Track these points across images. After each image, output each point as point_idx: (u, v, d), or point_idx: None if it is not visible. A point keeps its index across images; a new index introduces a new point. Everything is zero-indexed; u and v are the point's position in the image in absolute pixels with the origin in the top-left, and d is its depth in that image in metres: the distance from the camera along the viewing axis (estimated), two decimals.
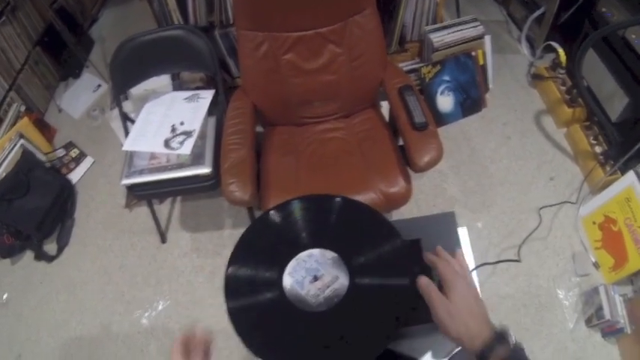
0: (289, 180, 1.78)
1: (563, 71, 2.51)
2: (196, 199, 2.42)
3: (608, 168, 2.14)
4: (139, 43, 2.00)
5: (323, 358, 0.81)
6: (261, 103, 1.91)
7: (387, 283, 0.86)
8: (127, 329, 2.06)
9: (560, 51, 2.40)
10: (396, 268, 0.87)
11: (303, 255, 0.88)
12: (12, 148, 2.36)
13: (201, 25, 2.29)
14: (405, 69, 2.33)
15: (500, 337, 0.72)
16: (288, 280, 0.85)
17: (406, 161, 1.71)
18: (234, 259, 0.90)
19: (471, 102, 2.42)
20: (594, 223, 2.07)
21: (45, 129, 2.74)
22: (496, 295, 1.99)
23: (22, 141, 2.43)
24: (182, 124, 2.02)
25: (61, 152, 2.64)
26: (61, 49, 3.05)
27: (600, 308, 1.81)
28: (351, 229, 0.94)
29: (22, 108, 2.65)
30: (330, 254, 0.88)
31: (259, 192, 1.72)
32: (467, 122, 2.51)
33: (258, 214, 2.14)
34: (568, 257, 2.08)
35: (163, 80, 2.33)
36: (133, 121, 2.11)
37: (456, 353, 0.95)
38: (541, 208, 2.20)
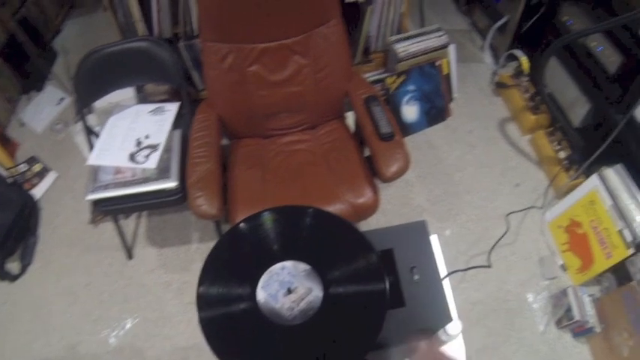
0: (256, 193, 1.77)
1: (526, 79, 2.56)
2: (163, 213, 2.39)
3: (572, 172, 2.19)
4: (104, 55, 1.97)
5: None
6: (227, 115, 1.89)
7: (361, 294, 0.85)
8: (94, 349, 2.01)
9: (523, 59, 2.45)
10: (369, 278, 0.86)
11: (275, 267, 0.87)
12: None
13: (165, 36, 2.26)
14: (369, 80, 2.35)
15: None
16: (261, 294, 0.84)
17: (373, 172, 1.72)
18: (206, 274, 0.88)
19: (436, 111, 2.44)
20: (560, 226, 2.11)
21: (6, 143, 2.67)
22: (466, 302, 2.01)
23: None
24: (147, 137, 1.99)
25: (23, 167, 2.57)
26: (24, 61, 2.97)
27: (569, 309, 1.85)
28: (323, 241, 0.94)
29: None
30: (303, 266, 0.87)
31: (226, 205, 1.70)
32: (432, 131, 2.53)
33: (225, 227, 2.12)
34: (535, 261, 2.11)
35: (128, 93, 2.29)
36: (97, 135, 2.07)
37: None
38: (508, 214, 2.23)
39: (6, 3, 2.84)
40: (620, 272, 1.89)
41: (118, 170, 1.93)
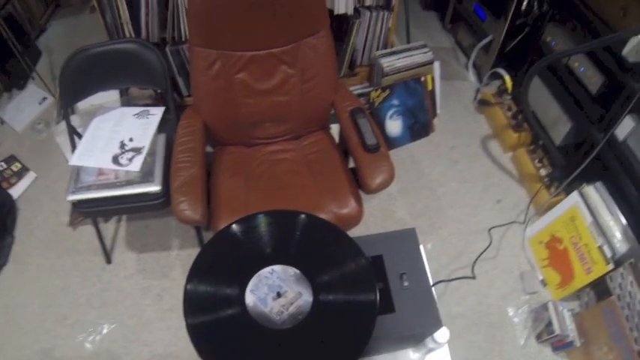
0: (239, 200, 1.76)
1: (509, 97, 2.60)
2: (143, 218, 2.36)
3: (552, 189, 2.22)
4: (91, 55, 1.95)
5: None
6: (212, 121, 1.89)
7: (350, 299, 0.85)
8: (69, 354, 1.97)
9: (507, 77, 2.49)
10: (359, 283, 0.86)
11: (264, 271, 0.87)
12: None
13: (153, 40, 2.26)
14: (354, 93, 2.36)
15: None
16: (250, 298, 0.83)
17: (358, 183, 1.73)
18: (194, 276, 0.87)
19: (419, 126, 2.47)
20: (541, 242, 2.14)
21: None
22: (447, 315, 2.02)
23: None
24: (131, 140, 1.97)
25: (1, 166, 2.53)
26: (6, 59, 2.93)
27: (550, 324, 1.87)
28: (313, 245, 0.94)
29: None
30: (292, 270, 0.87)
31: (209, 212, 1.69)
32: (415, 146, 2.56)
33: (207, 234, 2.10)
34: (517, 276, 2.14)
35: (112, 95, 2.28)
36: (80, 136, 2.05)
37: None
38: (490, 229, 2.26)
39: None
40: (599, 287, 1.92)
41: (100, 172, 1.91)
